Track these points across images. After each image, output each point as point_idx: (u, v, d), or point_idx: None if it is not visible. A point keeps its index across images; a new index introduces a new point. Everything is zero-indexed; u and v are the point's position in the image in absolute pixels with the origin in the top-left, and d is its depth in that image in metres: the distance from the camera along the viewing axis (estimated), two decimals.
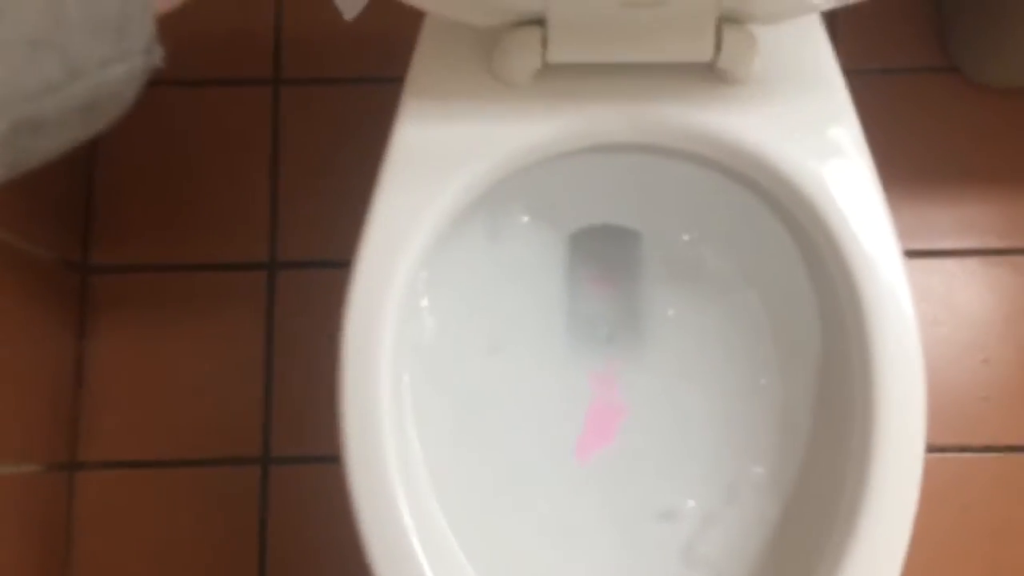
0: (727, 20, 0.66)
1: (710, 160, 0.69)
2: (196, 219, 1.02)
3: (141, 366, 0.99)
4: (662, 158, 0.71)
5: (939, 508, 0.97)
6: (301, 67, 1.05)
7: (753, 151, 0.67)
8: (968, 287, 1.02)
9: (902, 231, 0.68)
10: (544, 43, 0.65)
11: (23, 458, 0.89)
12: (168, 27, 1.03)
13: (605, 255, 0.82)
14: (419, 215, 0.63)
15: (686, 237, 0.79)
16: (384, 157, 0.65)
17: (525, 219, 0.77)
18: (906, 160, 1.03)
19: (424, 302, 0.72)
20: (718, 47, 0.66)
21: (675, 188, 0.76)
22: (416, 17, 0.69)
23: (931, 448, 0.97)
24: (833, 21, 1.03)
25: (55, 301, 0.96)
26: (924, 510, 0.97)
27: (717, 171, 0.71)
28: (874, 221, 0.66)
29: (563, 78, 0.67)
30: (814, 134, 0.68)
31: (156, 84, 1.05)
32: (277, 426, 0.99)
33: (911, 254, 1.01)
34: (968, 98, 1.05)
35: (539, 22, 0.65)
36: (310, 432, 0.98)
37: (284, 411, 0.99)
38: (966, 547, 0.97)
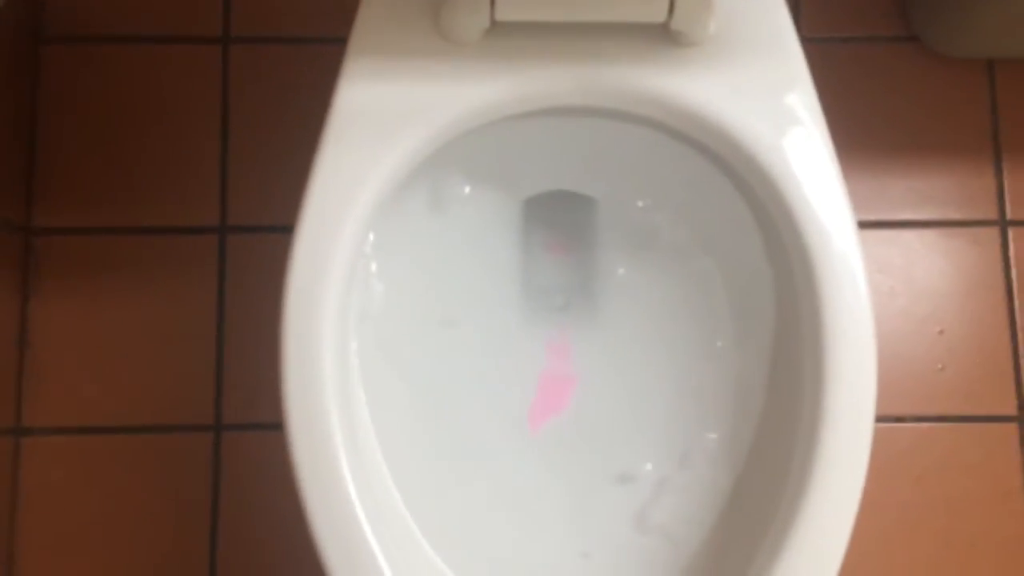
0: None
1: (663, 124, 0.68)
2: (144, 181, 1.00)
3: (88, 330, 0.97)
4: (615, 122, 0.70)
5: (893, 478, 0.98)
6: (252, 25, 1.02)
7: (706, 115, 0.66)
8: (926, 259, 1.02)
9: (860, 202, 0.67)
10: (493, 0, 0.64)
11: None
12: None
13: (560, 222, 0.80)
14: (363, 176, 0.62)
15: (640, 204, 0.78)
16: (327, 118, 0.63)
17: (470, 188, 0.76)
18: (865, 130, 1.03)
19: (372, 267, 0.71)
20: (672, 8, 0.64)
21: (629, 154, 0.75)
22: None
23: (886, 418, 0.99)
24: None
25: (3, 271, 0.94)
26: (878, 480, 0.98)
27: (671, 136, 0.70)
28: (828, 189, 0.66)
29: (513, 37, 0.66)
30: (769, 100, 0.67)
31: (101, 41, 1.03)
32: (229, 392, 0.97)
33: (869, 225, 1.02)
34: (928, 68, 1.04)
35: None
36: (263, 398, 0.97)
37: (236, 377, 0.98)
38: (920, 517, 0.97)
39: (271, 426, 0.96)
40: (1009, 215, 1.03)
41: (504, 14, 0.64)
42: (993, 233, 1.02)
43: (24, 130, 0.99)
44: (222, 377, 0.97)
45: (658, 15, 0.65)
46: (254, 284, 0.99)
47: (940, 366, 1.00)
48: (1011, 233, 1.02)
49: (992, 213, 1.03)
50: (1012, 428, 0.99)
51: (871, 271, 1.01)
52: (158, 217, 0.99)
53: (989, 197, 1.03)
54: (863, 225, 0.67)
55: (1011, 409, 0.99)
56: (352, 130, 0.63)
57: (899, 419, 0.99)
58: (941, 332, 1.00)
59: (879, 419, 0.97)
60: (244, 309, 0.98)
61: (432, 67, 0.65)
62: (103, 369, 0.97)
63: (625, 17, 0.65)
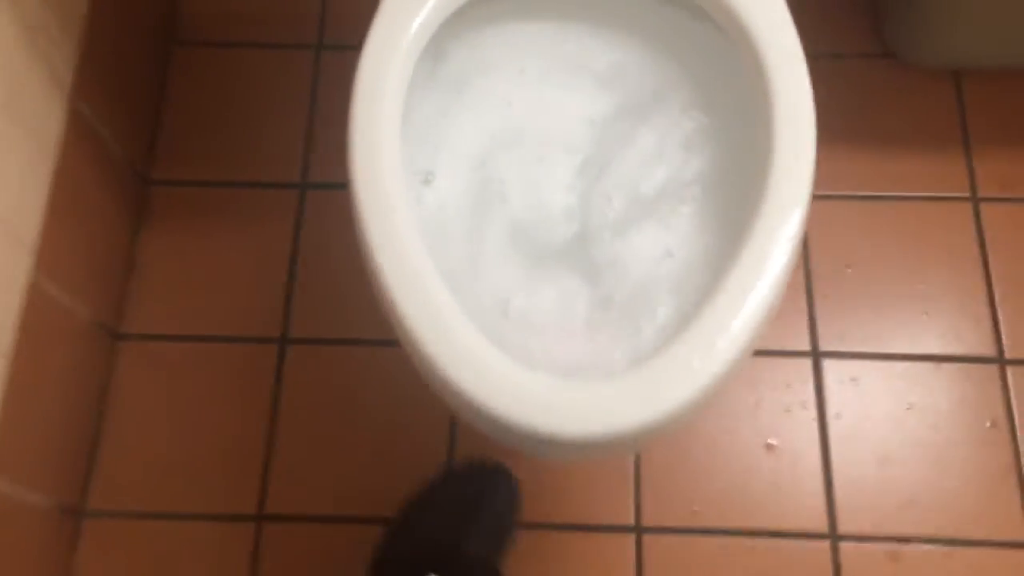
0: None
1: None
2: (240, 145, 1.16)
3: (184, 265, 1.11)
4: None
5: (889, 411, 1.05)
6: (343, 34, 1.20)
7: None
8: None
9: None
10: None
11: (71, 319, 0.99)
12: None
13: None
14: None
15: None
16: None
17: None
18: (846, 140, 1.15)
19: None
20: None
21: None
22: None
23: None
24: None
25: (120, 202, 1.09)
26: (873, 414, 1.04)
27: None
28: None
29: None
30: None
31: (218, 46, 1.22)
32: (296, 312, 1.09)
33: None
34: (902, 80, 1.17)
35: None
36: (323, 320, 1.08)
37: (303, 303, 1.09)
38: (910, 447, 1.04)
39: (329, 341, 1.08)
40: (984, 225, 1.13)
41: None
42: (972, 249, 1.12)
43: (152, 104, 1.17)
44: (291, 302, 1.09)
45: None
46: (324, 233, 1.12)
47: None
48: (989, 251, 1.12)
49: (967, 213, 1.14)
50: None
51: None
52: (250, 174, 1.15)
53: (960, 184, 1.14)
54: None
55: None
56: None
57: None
58: None
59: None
60: (314, 252, 1.11)
61: None
62: (192, 295, 1.10)
63: None
